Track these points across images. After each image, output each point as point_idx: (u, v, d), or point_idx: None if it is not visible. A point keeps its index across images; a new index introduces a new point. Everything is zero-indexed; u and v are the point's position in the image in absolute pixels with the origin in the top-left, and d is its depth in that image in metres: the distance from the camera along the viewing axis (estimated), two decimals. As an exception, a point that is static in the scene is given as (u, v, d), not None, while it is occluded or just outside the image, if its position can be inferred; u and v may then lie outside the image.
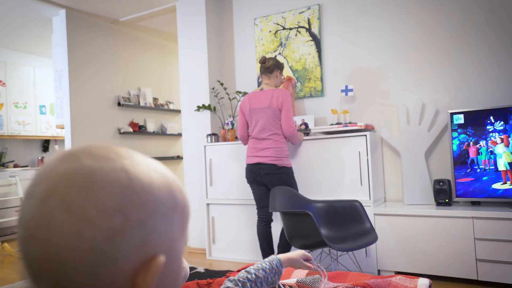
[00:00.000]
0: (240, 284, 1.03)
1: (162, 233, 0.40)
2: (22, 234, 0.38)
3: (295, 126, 2.76)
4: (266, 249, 2.76)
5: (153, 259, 0.38)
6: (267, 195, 2.78)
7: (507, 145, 2.56)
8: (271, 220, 2.83)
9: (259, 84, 3.71)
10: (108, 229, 0.36)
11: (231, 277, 1.05)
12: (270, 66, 2.80)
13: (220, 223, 3.39)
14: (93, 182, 0.37)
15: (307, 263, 1.31)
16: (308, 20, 3.48)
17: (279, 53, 3.62)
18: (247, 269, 1.11)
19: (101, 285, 0.36)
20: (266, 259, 1.20)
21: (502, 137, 2.57)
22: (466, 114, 2.70)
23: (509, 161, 2.55)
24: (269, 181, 2.71)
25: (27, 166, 5.67)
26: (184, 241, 0.44)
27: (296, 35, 3.54)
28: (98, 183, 0.37)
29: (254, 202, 3.16)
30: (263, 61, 2.81)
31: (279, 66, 2.84)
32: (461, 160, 2.69)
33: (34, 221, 0.36)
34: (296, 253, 1.30)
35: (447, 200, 2.72)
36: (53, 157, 0.41)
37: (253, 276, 1.07)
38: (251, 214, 3.21)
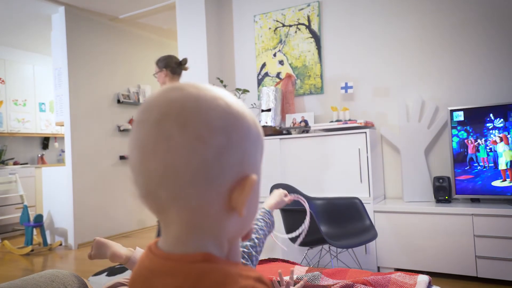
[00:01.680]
0: (246, 256, 1.05)
1: (253, 156, 0.45)
2: (139, 153, 0.42)
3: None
4: None
5: (247, 178, 0.44)
6: None
7: (507, 143, 2.56)
8: None
9: (259, 81, 3.71)
10: (216, 146, 0.41)
11: None
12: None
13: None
14: (201, 106, 0.42)
15: (289, 197, 1.37)
16: (308, 17, 3.48)
17: (279, 50, 3.61)
18: None
19: (207, 197, 0.42)
20: (259, 216, 1.22)
21: (501, 135, 2.57)
22: (466, 111, 2.69)
23: (510, 160, 2.55)
24: None
25: (26, 163, 5.67)
26: (260, 172, 0.49)
27: (296, 32, 3.54)
28: (205, 107, 0.42)
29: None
30: (186, 63, 2.79)
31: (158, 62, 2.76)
32: (461, 157, 2.69)
33: (152, 140, 0.41)
34: (276, 195, 1.34)
35: (446, 197, 2.72)
36: (158, 90, 0.46)
37: (255, 241, 1.10)
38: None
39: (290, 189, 2.58)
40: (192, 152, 0.40)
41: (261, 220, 1.19)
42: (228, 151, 0.42)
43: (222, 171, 0.41)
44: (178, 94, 0.43)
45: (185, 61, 2.80)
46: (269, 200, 1.29)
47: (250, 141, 0.45)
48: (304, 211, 2.12)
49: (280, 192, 1.34)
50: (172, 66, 2.74)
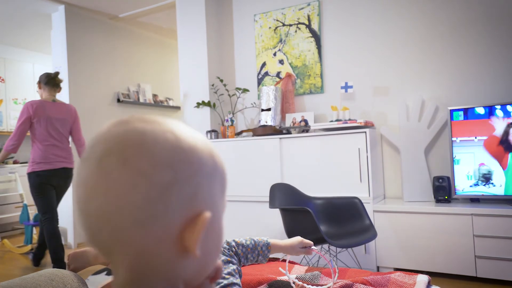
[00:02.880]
0: (234, 244, 1.16)
1: (206, 192, 0.42)
2: (82, 192, 0.40)
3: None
4: (59, 249, 3.01)
5: (199, 215, 0.41)
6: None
7: (506, 142, 2.55)
8: None
9: (259, 81, 3.71)
10: (160, 182, 0.38)
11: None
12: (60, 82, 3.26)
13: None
14: (146, 140, 0.40)
15: (306, 250, 1.29)
16: (308, 16, 3.47)
17: (279, 50, 3.61)
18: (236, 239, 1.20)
19: (153, 237, 0.39)
20: (255, 238, 1.24)
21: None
22: (466, 111, 2.69)
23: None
24: (64, 184, 3.17)
25: (26, 162, 5.67)
26: (223, 205, 0.47)
27: (296, 31, 3.53)
28: (150, 141, 0.40)
29: (254, 199, 3.17)
30: (56, 75, 3.23)
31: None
32: (460, 157, 2.69)
33: (93, 178, 0.39)
34: (291, 240, 1.28)
35: (446, 197, 2.73)
36: (106, 124, 0.44)
37: (242, 242, 1.20)
38: (252, 211, 3.21)
39: (290, 189, 2.58)
40: (133, 190, 0.38)
41: (252, 241, 1.23)
42: (175, 188, 0.39)
43: (168, 209, 0.38)
44: (122, 129, 0.41)
45: (55, 74, 3.22)
46: (282, 240, 1.28)
47: (204, 175, 0.42)
48: (306, 212, 2.12)
49: (299, 240, 1.29)
50: (43, 79, 3.20)
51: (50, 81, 3.19)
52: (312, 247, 1.30)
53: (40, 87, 3.23)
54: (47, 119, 3.07)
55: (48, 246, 3.01)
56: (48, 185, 3.05)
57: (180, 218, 0.40)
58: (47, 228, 3.02)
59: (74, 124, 3.26)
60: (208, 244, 0.43)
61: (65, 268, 2.87)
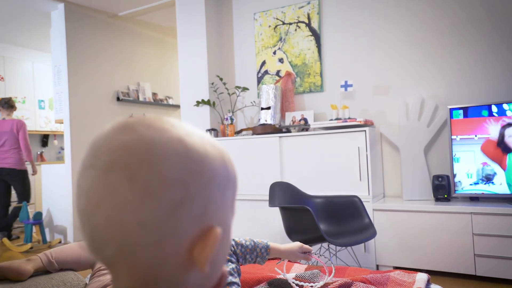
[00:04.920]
0: (233, 243, 1.17)
1: (218, 205, 0.40)
2: (84, 204, 0.38)
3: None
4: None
5: (210, 231, 0.39)
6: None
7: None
8: None
9: (258, 79, 3.71)
10: (170, 201, 0.36)
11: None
12: (14, 105, 4.38)
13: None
14: (154, 153, 0.37)
15: (306, 255, 1.30)
16: (308, 15, 3.47)
17: (279, 48, 3.61)
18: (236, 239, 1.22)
19: (161, 255, 0.37)
20: (255, 240, 1.24)
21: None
22: (466, 109, 2.69)
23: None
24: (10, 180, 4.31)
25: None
26: (233, 215, 0.45)
27: (295, 30, 3.53)
28: (158, 154, 0.37)
29: (254, 198, 3.17)
30: (10, 100, 4.35)
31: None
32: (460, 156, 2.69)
33: (97, 193, 0.37)
34: (291, 245, 1.29)
35: (446, 196, 2.73)
36: (108, 128, 0.41)
37: (243, 243, 1.20)
38: (251, 210, 3.22)
39: (289, 188, 2.58)
40: (142, 208, 0.36)
41: (252, 242, 1.23)
42: (185, 205, 0.37)
43: (178, 227, 0.37)
44: (128, 137, 0.38)
45: (6, 99, 4.32)
46: (283, 244, 1.28)
47: (216, 186, 0.40)
48: (306, 211, 2.12)
49: (299, 246, 1.29)
50: (2, 104, 4.31)
51: (6, 106, 4.32)
52: (312, 253, 1.31)
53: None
54: None
55: None
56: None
57: (190, 235, 0.38)
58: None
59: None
60: (216, 258, 0.42)
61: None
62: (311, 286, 1.36)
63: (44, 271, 1.34)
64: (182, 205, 0.37)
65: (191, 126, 0.43)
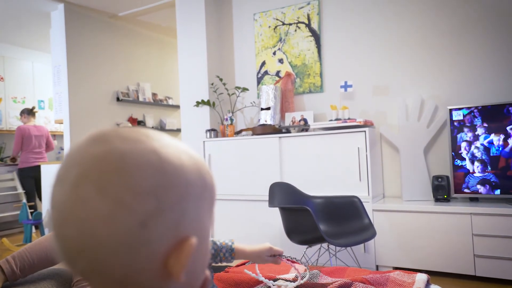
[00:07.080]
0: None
1: (193, 215, 0.40)
2: (56, 217, 0.38)
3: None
4: None
5: (185, 241, 0.38)
6: None
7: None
8: None
9: (258, 80, 3.71)
10: (142, 213, 0.36)
11: None
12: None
13: (219, 219, 3.39)
14: (125, 165, 0.36)
15: (274, 258, 1.22)
16: (308, 15, 3.47)
17: (279, 49, 3.61)
18: None
19: (135, 267, 0.36)
20: (219, 242, 1.18)
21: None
22: (466, 110, 2.69)
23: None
24: None
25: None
26: (211, 223, 0.44)
27: (295, 30, 3.53)
28: (131, 166, 0.36)
29: (254, 198, 3.17)
30: (34, 108, 4.87)
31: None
32: (460, 157, 2.70)
33: (69, 205, 0.36)
34: (259, 247, 1.21)
35: (445, 196, 2.73)
36: (83, 139, 0.41)
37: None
38: (251, 210, 3.22)
39: (289, 188, 2.58)
40: (112, 221, 0.35)
41: (216, 243, 1.17)
42: (158, 216, 0.36)
43: (151, 239, 0.36)
44: (101, 149, 0.37)
45: (30, 108, 4.81)
46: (249, 246, 1.20)
47: (191, 198, 0.39)
48: (305, 210, 2.12)
49: (267, 247, 1.20)
50: (28, 112, 4.79)
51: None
52: (281, 256, 1.22)
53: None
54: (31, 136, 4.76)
55: None
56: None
57: (164, 246, 0.37)
58: None
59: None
60: (193, 266, 0.41)
61: None
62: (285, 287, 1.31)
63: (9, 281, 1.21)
64: (154, 217, 0.36)
65: (168, 138, 0.42)
